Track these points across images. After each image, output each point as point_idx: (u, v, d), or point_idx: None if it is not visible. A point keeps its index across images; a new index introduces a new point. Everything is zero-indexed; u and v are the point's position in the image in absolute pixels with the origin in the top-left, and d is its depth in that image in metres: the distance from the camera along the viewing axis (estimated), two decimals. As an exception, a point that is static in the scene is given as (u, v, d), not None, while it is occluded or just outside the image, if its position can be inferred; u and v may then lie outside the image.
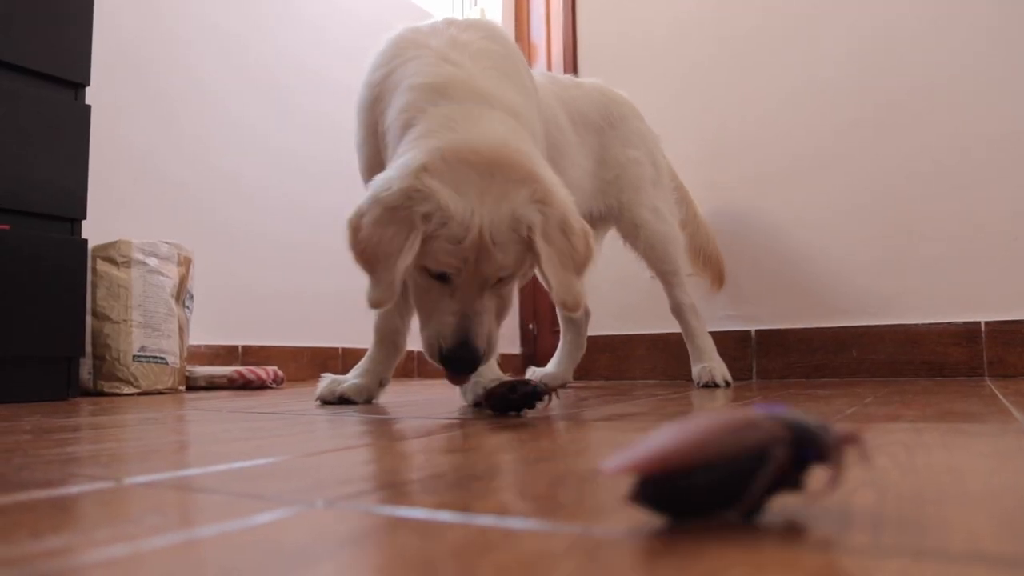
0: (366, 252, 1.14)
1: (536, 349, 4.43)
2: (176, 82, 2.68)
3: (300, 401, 1.59)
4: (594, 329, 2.18)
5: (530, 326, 4.53)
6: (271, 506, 0.45)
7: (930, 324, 2.14)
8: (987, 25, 2.16)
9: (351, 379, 1.51)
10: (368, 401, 1.48)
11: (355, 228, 1.15)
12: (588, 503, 0.44)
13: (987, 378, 2.00)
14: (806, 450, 0.38)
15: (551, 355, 2.19)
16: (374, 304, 1.14)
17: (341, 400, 1.45)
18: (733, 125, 2.45)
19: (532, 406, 1.10)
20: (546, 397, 1.09)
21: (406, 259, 1.09)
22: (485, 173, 1.11)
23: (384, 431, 0.91)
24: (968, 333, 2.10)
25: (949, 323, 2.12)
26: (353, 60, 3.44)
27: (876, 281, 2.23)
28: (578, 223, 1.17)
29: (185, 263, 2.20)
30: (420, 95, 1.24)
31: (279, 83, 3.08)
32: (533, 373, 2.15)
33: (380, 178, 1.15)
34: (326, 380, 1.50)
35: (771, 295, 2.35)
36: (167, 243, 2.16)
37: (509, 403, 1.09)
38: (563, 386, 2.12)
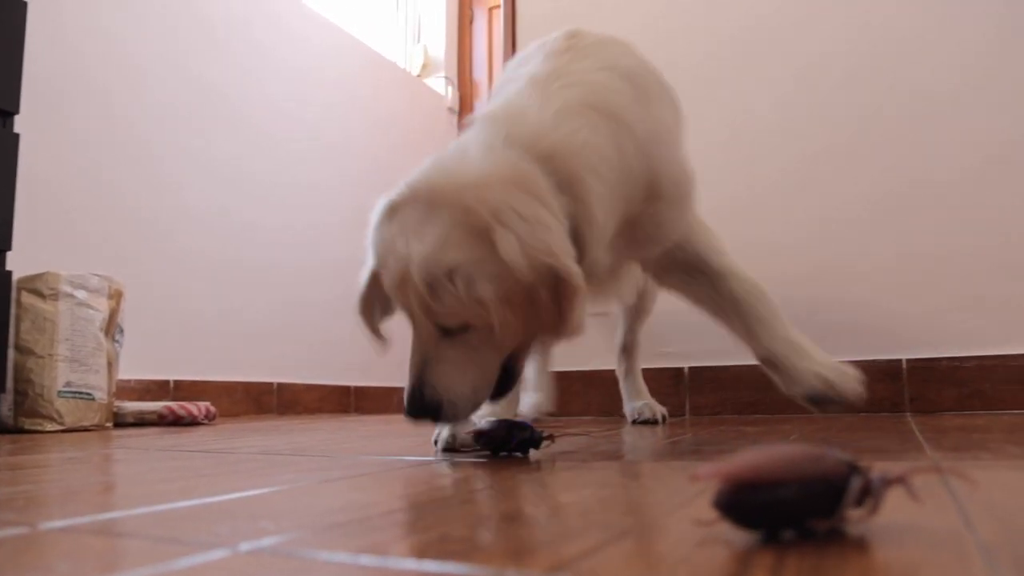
0: None
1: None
2: (91, 119, 2.64)
3: (232, 438, 1.56)
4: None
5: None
6: (192, 551, 0.45)
7: (855, 361, 2.19)
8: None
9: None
10: None
11: None
12: (507, 546, 0.45)
13: (909, 414, 2.07)
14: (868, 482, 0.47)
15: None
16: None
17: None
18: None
19: (526, 452, 1.06)
20: (544, 442, 1.06)
21: (362, 295, 1.11)
22: (429, 206, 0.97)
23: (315, 470, 0.91)
24: (891, 370, 2.17)
25: (873, 360, 2.19)
26: (299, 83, 3.46)
27: (804, 320, 2.28)
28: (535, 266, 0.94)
29: (116, 296, 2.16)
30: None
31: (200, 124, 3.05)
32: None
33: None
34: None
35: (703, 333, 2.39)
36: (97, 275, 2.11)
37: (503, 447, 1.05)
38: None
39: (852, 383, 1.29)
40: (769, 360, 1.40)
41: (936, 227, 2.18)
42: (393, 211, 1.01)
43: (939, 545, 0.43)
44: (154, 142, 2.79)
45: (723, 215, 2.39)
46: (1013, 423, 1.53)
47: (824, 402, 1.29)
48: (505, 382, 1.07)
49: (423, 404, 0.99)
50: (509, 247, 0.92)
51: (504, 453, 1.06)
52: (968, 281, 2.14)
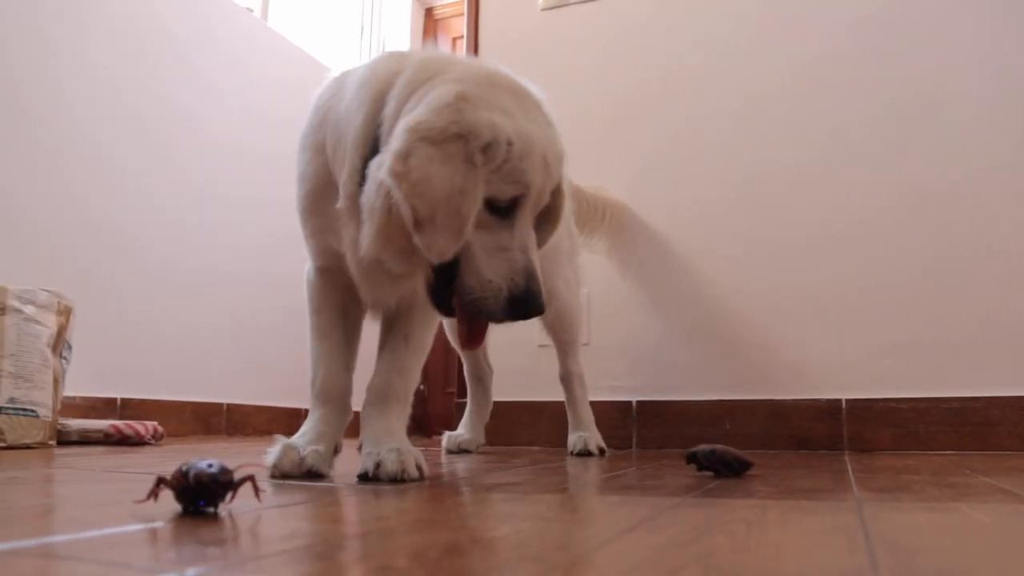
0: (422, 197, 1.01)
1: (427, 410, 4.42)
2: (58, 131, 2.62)
3: (178, 460, 1.55)
4: (482, 395, 2.22)
5: (420, 387, 4.51)
6: (139, 576, 0.47)
7: (797, 400, 2.27)
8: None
9: (310, 447, 1.19)
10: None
11: (401, 174, 1.01)
12: (452, 569, 0.47)
13: (846, 452, 2.13)
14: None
15: (442, 416, 2.22)
16: (438, 256, 1.04)
17: (309, 474, 1.16)
18: (634, 189, 2.55)
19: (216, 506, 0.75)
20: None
21: (473, 203, 1.03)
22: (516, 96, 1.12)
23: (266, 497, 0.92)
24: (830, 409, 2.24)
25: (814, 399, 2.26)
26: (260, 101, 3.46)
27: (749, 358, 2.36)
28: None
29: (65, 312, 2.14)
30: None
31: (169, 138, 3.04)
32: (448, 438, 2.15)
33: (414, 116, 1.05)
34: (280, 448, 1.18)
35: (652, 369, 2.44)
36: (47, 291, 2.09)
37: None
38: (477, 448, 2.16)
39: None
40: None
41: (876, 272, 2.27)
42: (470, 103, 1.05)
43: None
44: (117, 156, 2.78)
45: (668, 256, 2.46)
46: (941, 464, 1.59)
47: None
48: None
49: (540, 296, 1.09)
50: None
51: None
52: (905, 325, 2.22)
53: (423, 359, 1.37)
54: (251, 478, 0.75)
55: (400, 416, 1.27)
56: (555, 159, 1.13)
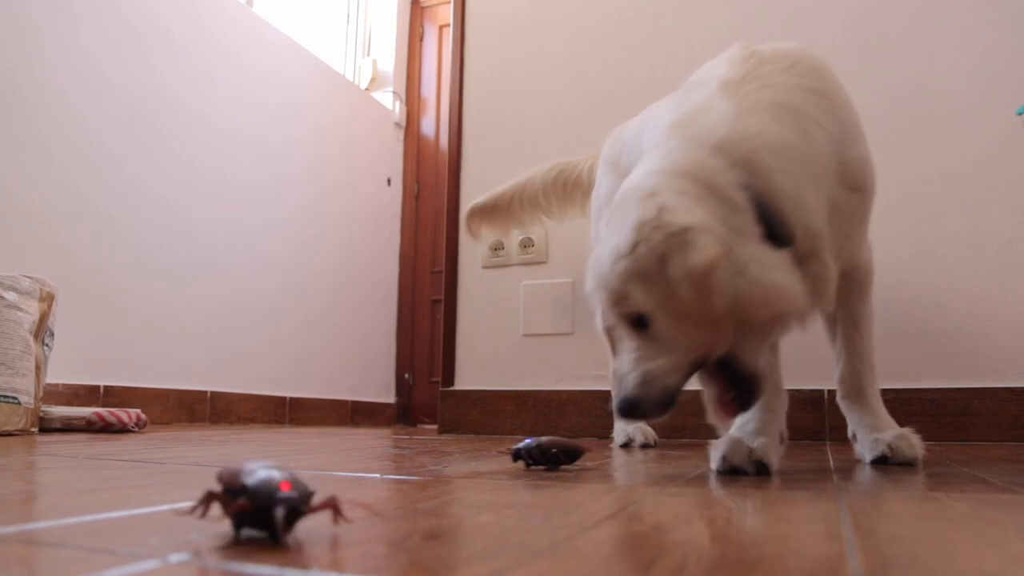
0: None
1: (412, 399, 4.42)
2: (47, 117, 2.60)
3: (163, 448, 1.55)
4: (465, 384, 2.22)
5: (405, 375, 4.52)
6: (123, 561, 0.47)
7: (780, 390, 2.29)
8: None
9: (758, 438, 1.18)
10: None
11: None
12: (424, 564, 0.48)
13: (828, 442, 2.15)
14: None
15: (427, 405, 2.22)
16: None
17: (759, 468, 1.14)
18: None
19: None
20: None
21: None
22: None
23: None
24: (813, 400, 2.26)
25: (798, 390, 2.27)
26: (249, 90, 3.44)
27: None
28: None
29: (48, 299, 2.12)
30: None
31: (157, 125, 3.03)
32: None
33: None
34: (728, 443, 1.17)
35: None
36: (29, 277, 2.08)
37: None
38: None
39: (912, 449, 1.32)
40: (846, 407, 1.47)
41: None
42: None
43: (817, 572, 0.47)
44: (104, 142, 2.76)
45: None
46: (921, 454, 1.61)
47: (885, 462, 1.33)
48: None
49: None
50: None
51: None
52: (887, 316, 2.24)
53: (874, 335, 1.48)
54: (334, 502, 0.57)
55: (880, 402, 1.42)
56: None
